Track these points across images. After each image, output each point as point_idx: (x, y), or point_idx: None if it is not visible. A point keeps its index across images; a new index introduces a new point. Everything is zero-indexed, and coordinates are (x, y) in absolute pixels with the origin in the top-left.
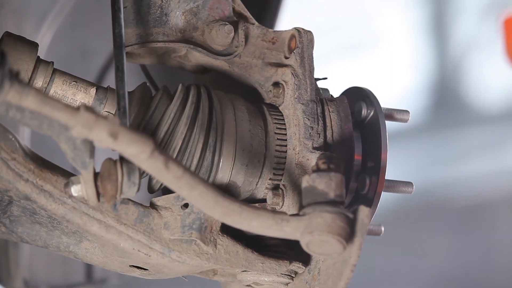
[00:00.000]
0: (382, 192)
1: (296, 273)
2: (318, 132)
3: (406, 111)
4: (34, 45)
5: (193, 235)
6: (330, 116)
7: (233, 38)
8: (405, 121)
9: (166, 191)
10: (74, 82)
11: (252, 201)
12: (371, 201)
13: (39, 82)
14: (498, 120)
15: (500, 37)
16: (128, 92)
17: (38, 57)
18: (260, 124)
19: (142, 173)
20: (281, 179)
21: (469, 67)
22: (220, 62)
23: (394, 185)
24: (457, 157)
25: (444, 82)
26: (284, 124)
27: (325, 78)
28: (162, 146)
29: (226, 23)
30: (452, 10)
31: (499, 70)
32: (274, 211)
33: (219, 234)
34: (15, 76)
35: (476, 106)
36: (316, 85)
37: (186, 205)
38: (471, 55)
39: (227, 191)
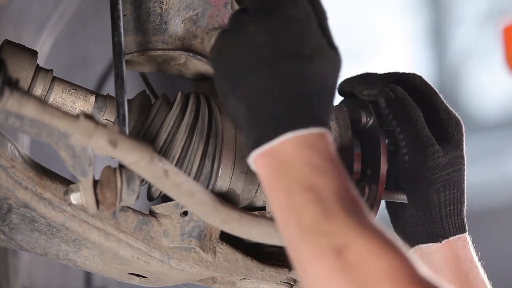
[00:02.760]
0: (382, 200)
1: (295, 281)
2: None
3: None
4: (33, 53)
5: (193, 242)
6: (329, 124)
7: None
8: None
9: (165, 198)
10: (73, 90)
11: (251, 209)
12: (370, 209)
13: (38, 90)
14: (497, 129)
15: (499, 46)
16: (128, 100)
17: (38, 65)
18: None
19: (141, 181)
20: None
21: (468, 75)
22: None
23: (393, 194)
24: None
25: (442, 91)
26: None
27: None
28: (161, 154)
29: None
30: (451, 18)
31: (498, 78)
32: (273, 219)
33: (218, 241)
34: (14, 84)
35: (475, 114)
36: None
37: (185, 213)
38: (470, 63)
39: (227, 198)
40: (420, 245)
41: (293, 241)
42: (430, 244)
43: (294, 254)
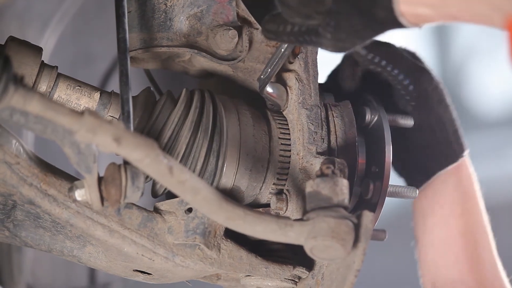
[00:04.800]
0: (386, 197)
1: (299, 278)
2: (322, 137)
3: (410, 116)
4: (38, 50)
5: (197, 239)
6: (334, 121)
7: (237, 43)
8: (409, 126)
9: (170, 195)
10: (78, 87)
11: (255, 206)
12: (375, 206)
13: (43, 87)
14: (499, 126)
15: (504, 42)
16: (132, 97)
17: (42, 61)
18: (264, 129)
19: (146, 178)
20: (284, 184)
21: (470, 73)
22: (224, 67)
23: (397, 191)
24: None
25: (445, 88)
26: (288, 129)
27: None
28: (166, 151)
29: (230, 28)
30: None
31: (500, 76)
32: (277, 216)
33: (222, 238)
34: (19, 81)
35: (478, 112)
36: (320, 90)
37: (190, 210)
38: (473, 61)
39: (231, 195)
40: (439, 173)
41: None
42: (449, 168)
43: None
